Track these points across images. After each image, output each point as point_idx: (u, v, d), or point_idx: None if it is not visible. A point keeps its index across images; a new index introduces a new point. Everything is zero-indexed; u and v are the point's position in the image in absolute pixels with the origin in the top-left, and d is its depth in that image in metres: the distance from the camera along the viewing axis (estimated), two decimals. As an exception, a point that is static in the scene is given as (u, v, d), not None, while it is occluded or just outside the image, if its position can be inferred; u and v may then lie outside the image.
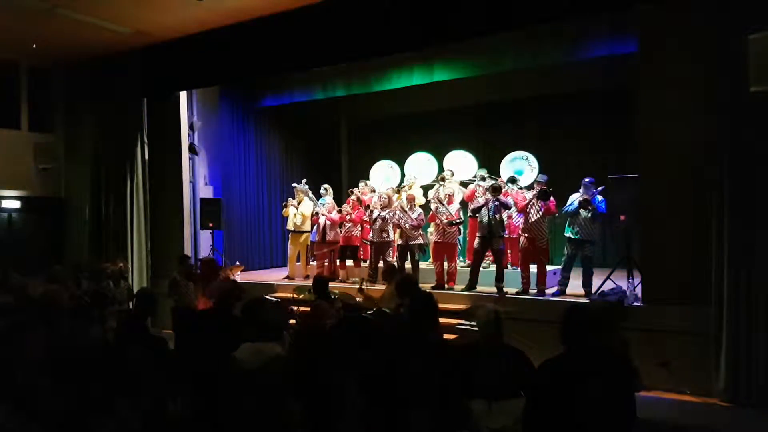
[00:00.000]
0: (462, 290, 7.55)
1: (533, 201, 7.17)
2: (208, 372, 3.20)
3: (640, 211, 6.47)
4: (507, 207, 7.42)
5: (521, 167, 8.85)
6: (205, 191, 10.24)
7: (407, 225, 7.99)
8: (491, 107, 10.56)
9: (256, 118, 11.21)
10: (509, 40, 7.78)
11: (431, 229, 8.49)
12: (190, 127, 9.89)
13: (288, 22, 7.71)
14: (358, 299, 6.53)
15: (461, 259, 8.70)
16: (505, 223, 7.65)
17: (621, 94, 8.38)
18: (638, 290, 6.50)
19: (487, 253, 7.74)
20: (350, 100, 10.74)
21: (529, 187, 8.05)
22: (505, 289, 7.26)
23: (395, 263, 8.20)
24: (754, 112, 5.36)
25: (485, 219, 7.34)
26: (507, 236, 7.97)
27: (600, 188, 6.98)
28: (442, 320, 6.13)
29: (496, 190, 7.42)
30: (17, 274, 6.37)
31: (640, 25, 6.35)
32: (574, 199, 7.04)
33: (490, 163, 9.30)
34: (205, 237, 9.87)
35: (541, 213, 7.15)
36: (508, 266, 8.08)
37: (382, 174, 10.27)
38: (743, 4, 5.40)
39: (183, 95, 9.67)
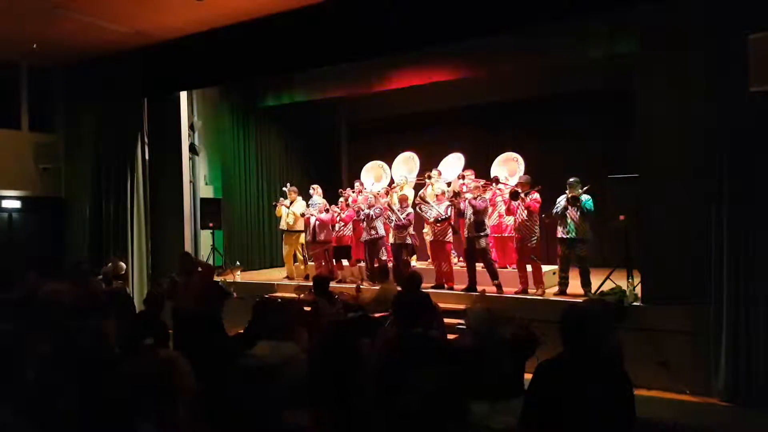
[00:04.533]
0: (462, 290, 7.56)
1: (518, 201, 7.20)
2: (210, 372, 3.20)
3: (640, 211, 6.47)
4: (478, 209, 7.42)
5: (513, 168, 8.84)
6: (205, 191, 10.24)
7: (392, 224, 8.05)
8: (491, 107, 10.56)
9: (256, 118, 11.21)
10: (509, 40, 7.79)
11: (426, 229, 8.53)
12: (190, 127, 9.89)
13: (288, 22, 7.72)
14: (357, 299, 6.53)
15: (460, 258, 8.70)
16: (490, 223, 7.69)
17: (621, 94, 8.37)
18: (638, 290, 6.50)
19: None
20: (350, 100, 10.75)
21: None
22: (483, 288, 7.28)
23: (388, 263, 8.24)
24: (754, 112, 5.36)
25: (466, 220, 7.48)
26: (498, 236, 8.01)
27: (585, 187, 6.99)
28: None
29: (456, 195, 7.58)
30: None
31: (640, 25, 6.36)
32: (561, 200, 7.05)
33: (490, 163, 9.29)
34: (205, 237, 9.88)
35: (526, 213, 7.17)
36: (507, 266, 8.09)
37: (373, 174, 10.26)
38: (743, 4, 5.41)
39: (183, 95, 9.67)
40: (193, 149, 9.89)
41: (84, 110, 10.09)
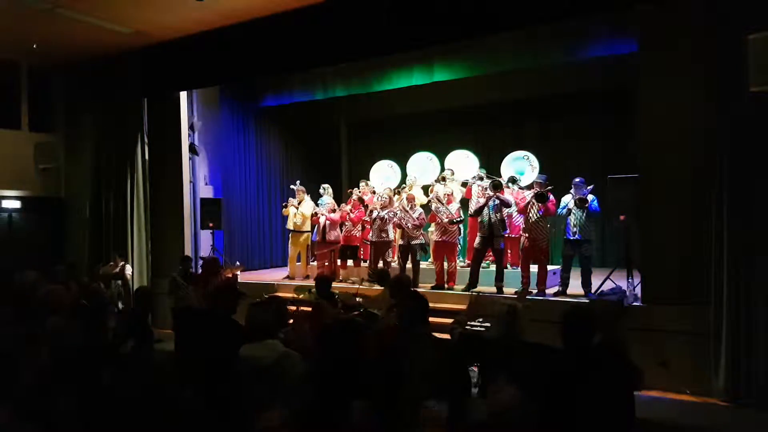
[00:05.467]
0: (462, 290, 7.55)
1: (532, 201, 7.18)
2: (212, 371, 3.21)
3: (639, 211, 6.47)
4: (507, 205, 7.43)
5: (522, 167, 8.85)
6: (205, 191, 10.24)
7: (409, 224, 7.99)
8: (491, 107, 10.55)
9: (256, 118, 11.22)
10: (509, 40, 7.79)
11: (432, 228, 8.49)
12: (190, 127, 9.89)
13: (288, 22, 7.71)
14: (358, 299, 6.53)
15: (461, 258, 8.70)
16: (506, 222, 7.65)
17: (621, 94, 8.38)
18: (638, 290, 6.50)
19: (487, 253, 7.75)
20: (350, 100, 10.75)
21: (529, 187, 8.05)
22: (513, 289, 7.26)
23: (392, 264, 8.22)
24: (754, 112, 5.36)
25: (486, 218, 7.35)
26: (507, 236, 7.97)
27: (590, 187, 6.99)
28: (442, 320, 6.16)
29: (496, 186, 7.43)
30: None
31: (640, 25, 6.36)
32: (567, 201, 7.05)
33: (490, 163, 9.31)
34: (205, 237, 9.88)
35: (540, 213, 7.15)
36: (508, 266, 8.09)
37: (382, 174, 10.28)
38: (743, 4, 5.41)
39: (183, 95, 9.67)
40: (193, 149, 9.89)
41: (84, 110, 10.09)
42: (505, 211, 7.57)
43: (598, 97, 9.41)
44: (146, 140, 9.59)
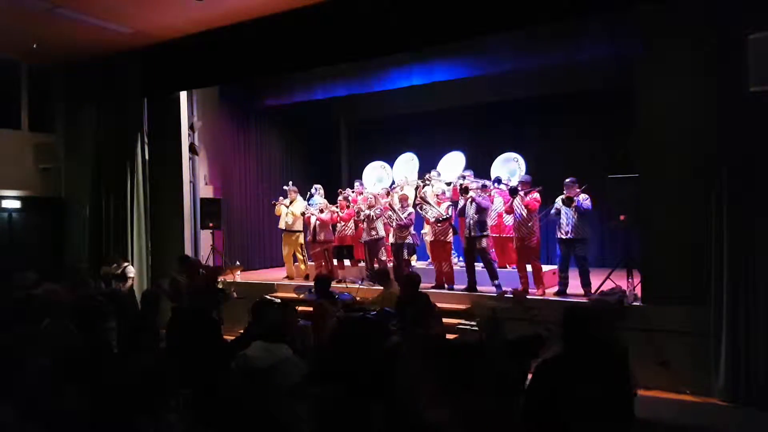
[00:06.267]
0: (462, 290, 7.56)
1: (516, 200, 7.20)
2: (202, 370, 3.22)
3: (639, 211, 6.47)
4: (483, 207, 7.44)
5: (513, 169, 8.86)
6: (205, 191, 10.24)
7: (394, 224, 8.04)
8: (491, 107, 10.55)
9: (256, 118, 11.23)
10: (509, 40, 7.79)
11: (425, 230, 8.52)
12: (190, 127, 9.89)
13: (288, 22, 7.71)
14: (357, 299, 6.54)
15: (461, 258, 8.70)
16: (489, 223, 7.66)
17: (621, 94, 8.37)
18: (638, 290, 6.50)
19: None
20: (350, 100, 10.75)
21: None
22: (504, 288, 7.27)
23: (389, 263, 8.24)
24: (754, 112, 5.37)
25: (467, 219, 7.44)
26: (497, 236, 8.01)
27: (583, 186, 7.00)
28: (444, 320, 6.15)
29: (464, 190, 7.49)
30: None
31: (640, 25, 6.36)
32: (557, 200, 7.06)
33: (490, 163, 9.29)
34: (205, 237, 9.88)
35: (525, 211, 7.16)
36: (506, 266, 8.09)
37: (375, 175, 10.27)
38: (743, 4, 5.41)
39: (183, 95, 9.66)
40: (193, 149, 9.88)
41: (84, 110, 10.08)
42: (492, 212, 7.64)
43: (598, 97, 9.40)
44: (146, 140, 9.58)
